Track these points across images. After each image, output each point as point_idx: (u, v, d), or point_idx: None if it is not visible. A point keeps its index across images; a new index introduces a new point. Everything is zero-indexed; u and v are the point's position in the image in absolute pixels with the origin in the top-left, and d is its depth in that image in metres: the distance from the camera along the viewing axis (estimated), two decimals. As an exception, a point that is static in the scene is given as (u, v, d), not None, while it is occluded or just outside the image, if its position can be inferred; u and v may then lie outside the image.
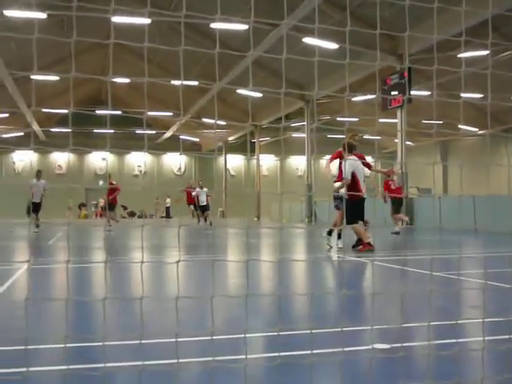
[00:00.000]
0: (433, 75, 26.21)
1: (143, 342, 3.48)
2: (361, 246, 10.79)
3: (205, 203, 25.80)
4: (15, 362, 3.26)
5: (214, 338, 3.14)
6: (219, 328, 3.99)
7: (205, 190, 25.99)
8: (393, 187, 18.28)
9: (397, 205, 18.37)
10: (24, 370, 2.85)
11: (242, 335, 3.80)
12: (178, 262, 3.04)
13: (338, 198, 11.35)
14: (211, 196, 27.12)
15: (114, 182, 24.47)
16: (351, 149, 10.99)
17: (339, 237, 11.07)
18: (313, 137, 34.96)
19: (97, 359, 3.32)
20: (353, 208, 10.68)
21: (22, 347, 3.33)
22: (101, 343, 3.48)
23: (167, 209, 47.57)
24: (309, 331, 3.20)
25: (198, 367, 3.27)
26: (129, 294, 6.04)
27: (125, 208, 43.55)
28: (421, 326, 4.13)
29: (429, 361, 3.15)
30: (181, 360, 3.06)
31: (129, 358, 3.45)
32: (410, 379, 2.84)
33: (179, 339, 3.07)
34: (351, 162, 10.43)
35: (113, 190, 22.18)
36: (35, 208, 19.54)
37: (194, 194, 26.03)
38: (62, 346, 3.38)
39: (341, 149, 11.49)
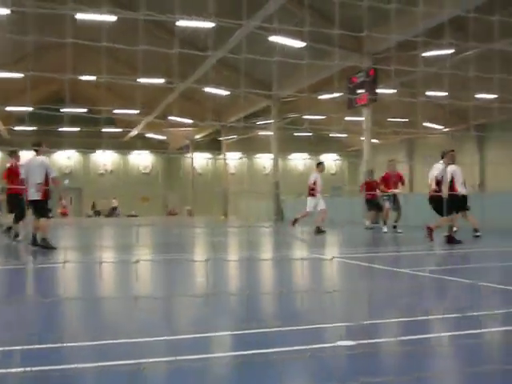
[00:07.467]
0: (398, 74, 26.19)
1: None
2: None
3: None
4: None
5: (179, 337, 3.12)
6: (185, 328, 3.96)
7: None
8: None
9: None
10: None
11: (208, 334, 3.79)
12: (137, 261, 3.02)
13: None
14: None
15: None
16: None
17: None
18: (279, 135, 35.06)
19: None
20: None
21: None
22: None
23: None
24: (276, 329, 3.20)
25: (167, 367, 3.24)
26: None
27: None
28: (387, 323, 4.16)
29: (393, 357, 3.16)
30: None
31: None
32: (373, 375, 2.86)
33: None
34: None
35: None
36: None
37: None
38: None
39: None
